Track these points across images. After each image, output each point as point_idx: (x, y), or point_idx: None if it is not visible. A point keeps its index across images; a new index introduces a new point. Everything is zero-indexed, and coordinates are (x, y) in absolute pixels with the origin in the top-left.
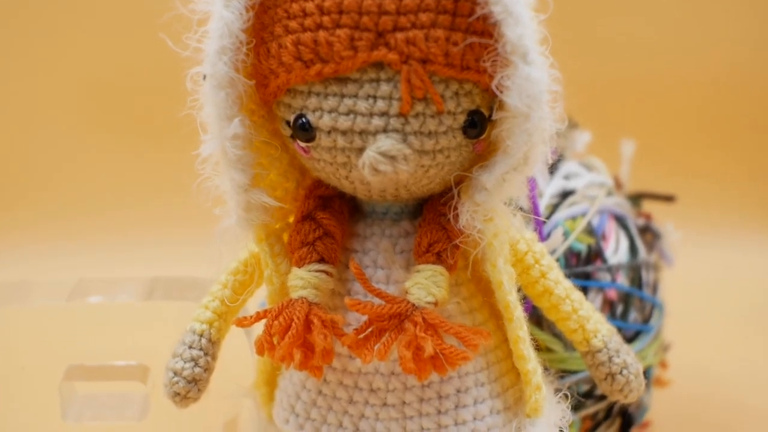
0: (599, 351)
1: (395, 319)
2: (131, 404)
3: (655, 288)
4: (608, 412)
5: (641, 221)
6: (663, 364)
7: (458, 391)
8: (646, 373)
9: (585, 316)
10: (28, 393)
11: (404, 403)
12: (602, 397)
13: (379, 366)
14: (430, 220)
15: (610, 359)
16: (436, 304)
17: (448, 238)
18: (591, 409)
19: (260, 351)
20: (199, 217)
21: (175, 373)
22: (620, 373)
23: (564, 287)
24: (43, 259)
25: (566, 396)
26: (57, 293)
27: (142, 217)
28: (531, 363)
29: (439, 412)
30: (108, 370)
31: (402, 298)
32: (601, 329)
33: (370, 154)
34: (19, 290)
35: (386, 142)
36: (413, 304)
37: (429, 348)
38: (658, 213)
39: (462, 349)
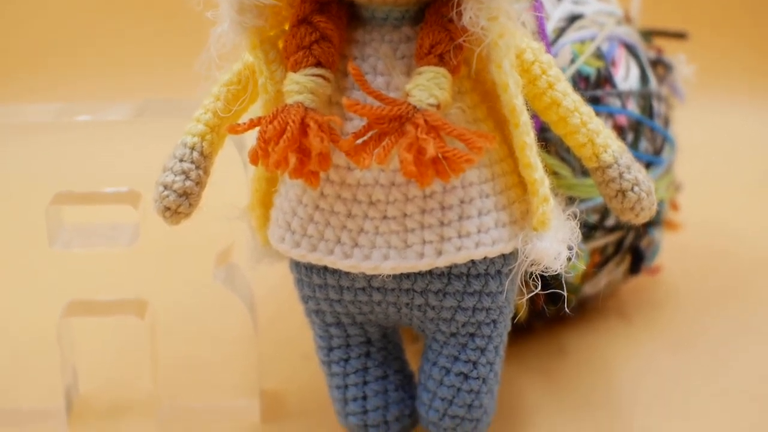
0: (609, 166)
1: (395, 121)
2: (121, 231)
3: (666, 122)
4: (618, 246)
5: (652, 54)
6: (674, 206)
7: (462, 202)
8: (658, 206)
9: (594, 129)
10: (14, 220)
11: (405, 215)
12: (612, 229)
13: (378, 177)
14: (432, 22)
15: (620, 175)
16: (438, 107)
17: (451, 38)
18: (600, 241)
19: (254, 159)
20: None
21: (165, 187)
22: (631, 189)
23: (572, 99)
24: (33, 83)
25: (574, 215)
26: (45, 115)
27: (134, 42)
28: (538, 172)
29: (442, 223)
30: (98, 196)
31: (403, 101)
32: (611, 144)
33: None
34: (7, 114)
35: None
36: (414, 106)
37: (431, 149)
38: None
39: (466, 152)
